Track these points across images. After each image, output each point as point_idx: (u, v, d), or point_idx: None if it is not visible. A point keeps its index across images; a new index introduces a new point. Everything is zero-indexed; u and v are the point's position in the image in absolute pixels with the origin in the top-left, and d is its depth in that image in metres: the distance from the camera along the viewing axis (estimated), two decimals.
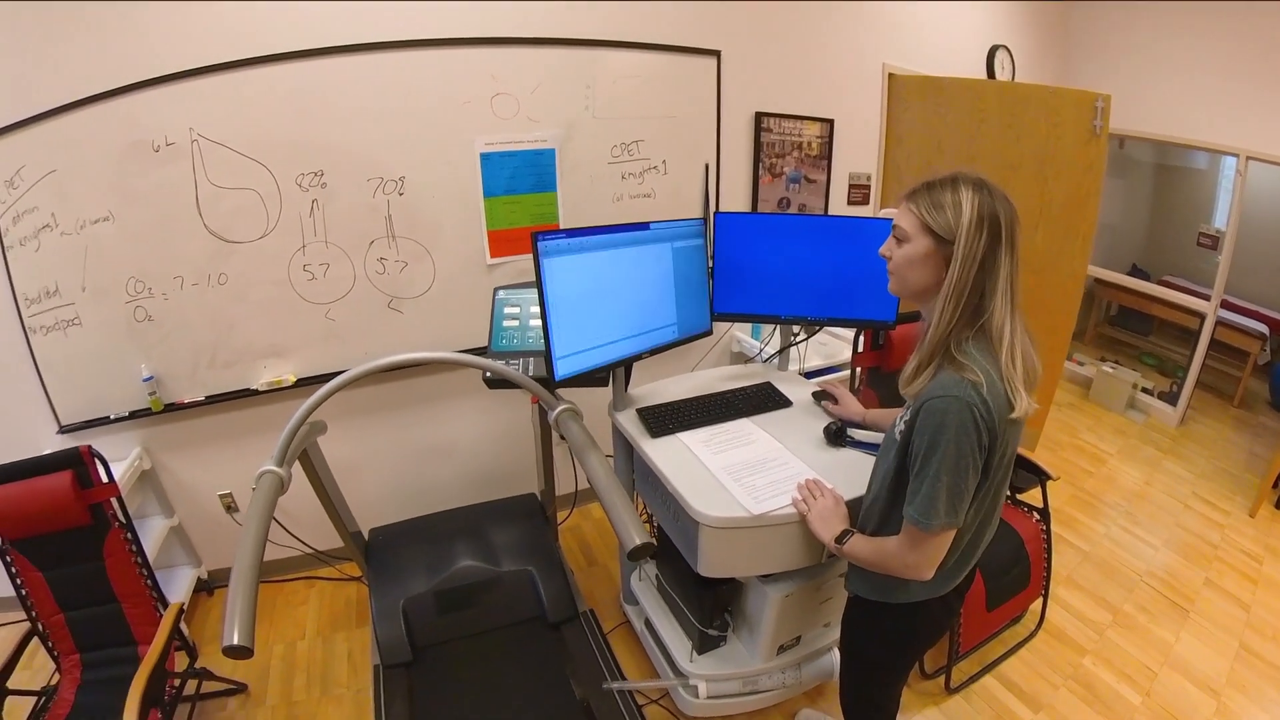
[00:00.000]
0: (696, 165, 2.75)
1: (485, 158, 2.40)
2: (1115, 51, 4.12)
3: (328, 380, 1.44)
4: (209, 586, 2.73)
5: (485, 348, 2.06)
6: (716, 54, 2.65)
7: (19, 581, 1.96)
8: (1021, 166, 2.93)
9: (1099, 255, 4.46)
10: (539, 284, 1.48)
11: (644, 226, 1.70)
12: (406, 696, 1.94)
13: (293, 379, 2.44)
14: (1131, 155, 4.52)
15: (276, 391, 2.43)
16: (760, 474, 1.51)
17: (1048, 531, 2.31)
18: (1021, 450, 2.20)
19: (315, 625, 2.55)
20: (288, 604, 2.66)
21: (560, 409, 1.61)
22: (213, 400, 2.43)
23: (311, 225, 2.30)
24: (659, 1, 2.52)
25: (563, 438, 1.56)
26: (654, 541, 1.28)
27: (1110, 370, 4.32)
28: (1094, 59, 4.24)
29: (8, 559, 1.94)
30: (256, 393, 2.44)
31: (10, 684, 1.80)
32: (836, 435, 1.65)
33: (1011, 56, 3.82)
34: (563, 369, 1.56)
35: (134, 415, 2.38)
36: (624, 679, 1.99)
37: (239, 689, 2.26)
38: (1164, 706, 2.12)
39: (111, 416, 2.38)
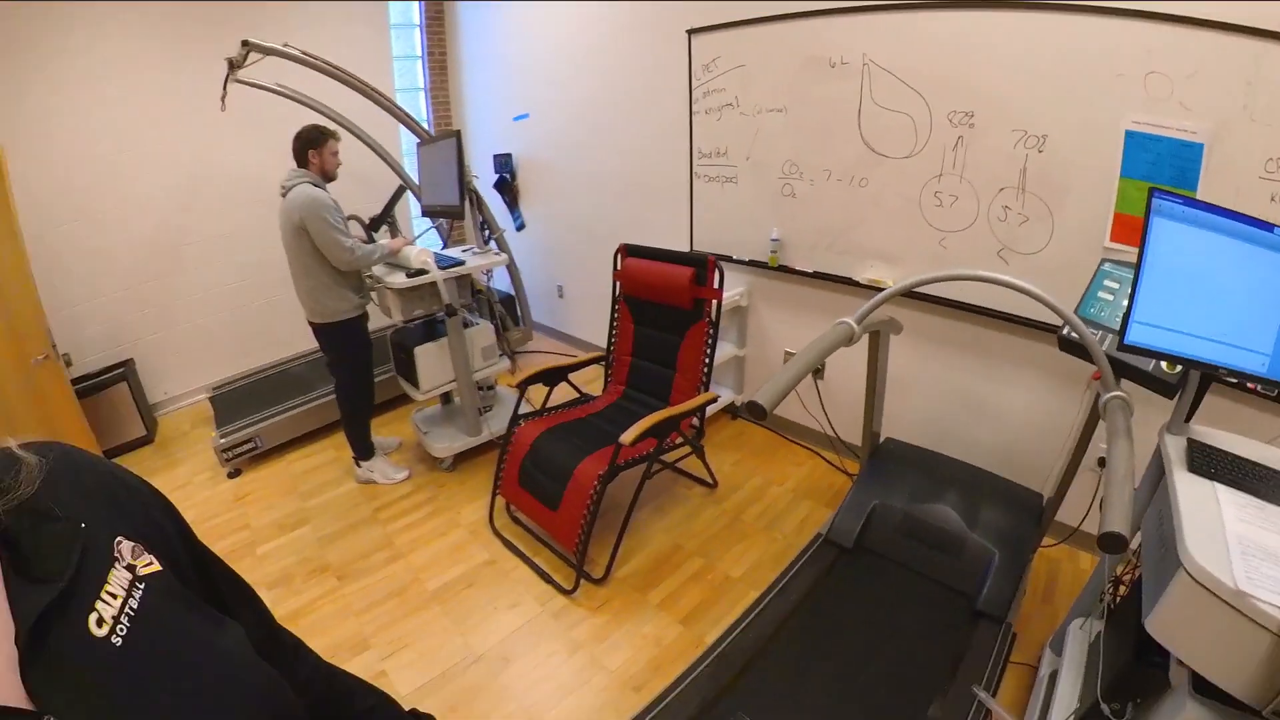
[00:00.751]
0: None
1: (1129, 136, 2.12)
2: None
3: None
4: (735, 412, 3.43)
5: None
6: None
7: (614, 323, 2.84)
8: None
9: None
10: (1142, 238, 1.35)
11: (1270, 228, 1.33)
12: (820, 570, 2.17)
13: (890, 283, 2.68)
14: None
15: (872, 289, 2.74)
16: (1276, 567, 1.14)
17: None
18: None
19: (794, 483, 2.99)
20: (787, 458, 3.17)
21: (1115, 394, 1.52)
22: (818, 276, 2.92)
23: (951, 159, 2.45)
24: None
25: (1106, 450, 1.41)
26: (1126, 535, 1.16)
27: None
28: None
29: (615, 306, 2.83)
30: (855, 283, 2.82)
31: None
32: None
33: None
34: (1135, 335, 1.40)
35: (751, 263, 3.09)
36: (993, 698, 1.82)
37: (710, 484, 2.87)
38: None
39: (734, 257, 3.12)
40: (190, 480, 3.51)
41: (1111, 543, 1.15)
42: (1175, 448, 1.51)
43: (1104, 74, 2.14)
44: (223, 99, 3.10)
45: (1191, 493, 1.35)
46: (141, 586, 0.47)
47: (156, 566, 0.50)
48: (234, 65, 3.00)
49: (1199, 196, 2.12)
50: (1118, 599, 1.82)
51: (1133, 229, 2.21)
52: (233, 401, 3.84)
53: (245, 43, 2.90)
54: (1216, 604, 1.15)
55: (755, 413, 1.41)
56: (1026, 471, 2.54)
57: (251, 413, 3.61)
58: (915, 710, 1.76)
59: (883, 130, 2.56)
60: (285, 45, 2.94)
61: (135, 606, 0.46)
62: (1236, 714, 1.26)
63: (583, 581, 2.34)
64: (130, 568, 0.48)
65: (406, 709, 0.80)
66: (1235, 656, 1.15)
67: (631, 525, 2.46)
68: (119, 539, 0.49)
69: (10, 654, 0.40)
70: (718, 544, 2.59)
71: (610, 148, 3.81)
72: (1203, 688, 1.32)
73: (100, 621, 0.44)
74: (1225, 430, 1.63)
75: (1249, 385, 2.02)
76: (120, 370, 3.99)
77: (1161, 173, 2.15)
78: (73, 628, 0.43)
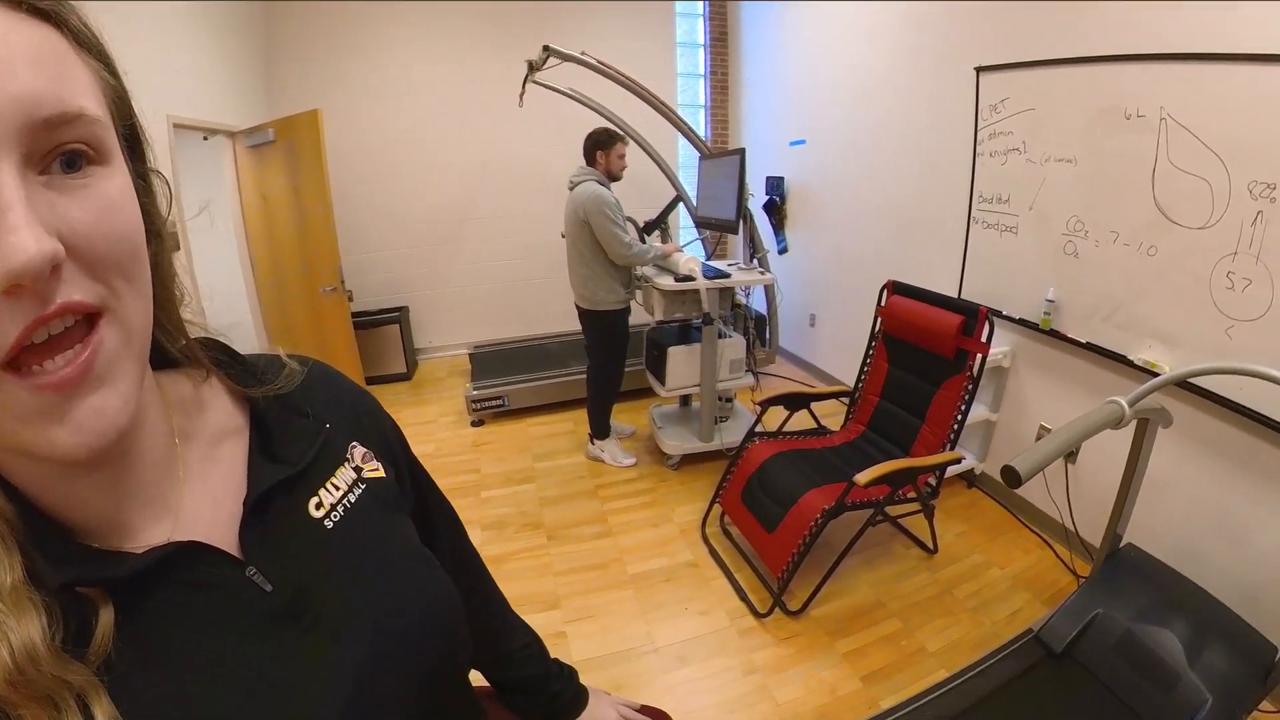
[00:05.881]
0: None
1: None
2: None
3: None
4: (972, 480, 3.23)
5: None
6: None
7: (868, 360, 2.77)
8: None
9: None
10: None
11: None
12: (1019, 669, 1.94)
13: (1166, 369, 2.33)
14: None
15: (1147, 372, 2.36)
16: None
17: None
18: None
19: (1017, 570, 2.67)
20: (1015, 542, 2.84)
21: None
22: (1090, 348, 2.58)
23: (1249, 236, 2.05)
24: None
25: None
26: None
27: None
28: None
29: (872, 344, 2.77)
30: (1129, 363, 2.45)
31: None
32: None
33: None
34: None
35: (1020, 322, 2.84)
36: None
37: (929, 550, 2.70)
38: None
39: (1004, 313, 2.88)
40: (437, 419, 4.12)
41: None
42: None
43: None
44: (520, 96, 3.50)
45: None
46: (363, 486, 0.54)
47: (381, 473, 0.57)
48: (533, 67, 3.37)
49: None
50: None
51: None
52: (490, 361, 4.42)
53: (546, 47, 3.23)
54: None
55: (1009, 479, 1.36)
56: (1269, 619, 2.11)
57: (505, 374, 4.11)
58: None
59: (1177, 195, 2.21)
60: (583, 54, 3.24)
61: (352, 501, 0.53)
62: None
63: (777, 609, 2.35)
64: (358, 469, 0.55)
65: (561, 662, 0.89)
66: None
67: (839, 569, 2.41)
68: (354, 444, 0.56)
69: (235, 512, 0.47)
70: (920, 612, 2.43)
71: (885, 182, 3.71)
72: None
73: (319, 505, 0.51)
74: None
75: None
76: (395, 314, 4.82)
77: None
78: (294, 505, 0.50)
